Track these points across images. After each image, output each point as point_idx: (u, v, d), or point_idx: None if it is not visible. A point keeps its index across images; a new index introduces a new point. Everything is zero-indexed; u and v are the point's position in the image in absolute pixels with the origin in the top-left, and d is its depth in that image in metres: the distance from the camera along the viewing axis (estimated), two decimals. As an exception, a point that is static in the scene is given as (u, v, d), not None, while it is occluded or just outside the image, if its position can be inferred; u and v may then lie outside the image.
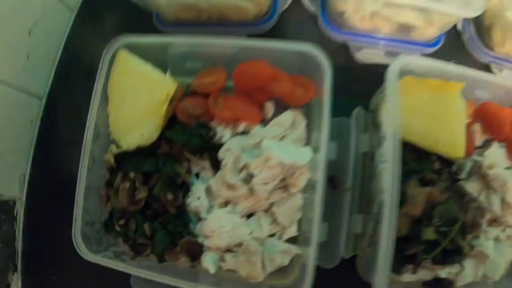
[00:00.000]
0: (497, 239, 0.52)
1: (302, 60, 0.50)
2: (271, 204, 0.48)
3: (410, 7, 0.53)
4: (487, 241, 0.50)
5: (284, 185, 0.49)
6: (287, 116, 0.51)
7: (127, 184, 0.49)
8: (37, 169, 0.65)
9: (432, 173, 0.50)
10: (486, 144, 0.54)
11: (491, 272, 0.51)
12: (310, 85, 0.52)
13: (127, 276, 0.52)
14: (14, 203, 0.63)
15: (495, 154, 0.53)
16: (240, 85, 0.51)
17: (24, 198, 0.65)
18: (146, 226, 0.49)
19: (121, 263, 0.48)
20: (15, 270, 0.62)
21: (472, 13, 0.51)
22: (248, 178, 0.46)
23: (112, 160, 0.51)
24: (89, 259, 0.48)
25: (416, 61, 0.47)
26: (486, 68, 0.63)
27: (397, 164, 0.43)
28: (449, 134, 0.49)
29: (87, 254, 0.48)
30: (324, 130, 0.45)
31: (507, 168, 0.54)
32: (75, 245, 0.48)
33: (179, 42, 0.52)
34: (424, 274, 0.50)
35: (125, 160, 0.51)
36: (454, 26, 0.63)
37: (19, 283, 0.62)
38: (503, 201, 0.50)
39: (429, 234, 0.46)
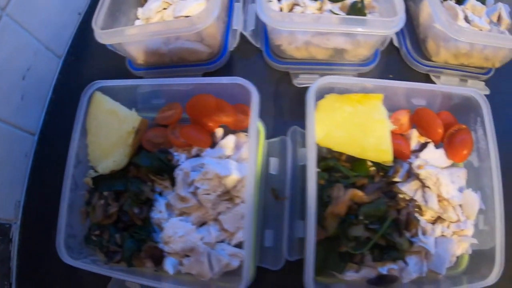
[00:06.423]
0: (443, 235, 0.60)
1: (241, 91, 0.64)
2: (219, 213, 0.62)
3: (337, 33, 0.66)
4: (427, 237, 0.58)
5: (229, 198, 0.62)
6: (230, 139, 0.66)
7: (102, 201, 0.65)
8: (31, 196, 0.78)
9: (365, 177, 0.61)
10: (422, 148, 0.64)
11: (436, 267, 0.59)
12: (248, 111, 0.66)
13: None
14: (10, 226, 0.74)
15: (430, 155, 0.63)
16: (193, 115, 0.67)
17: (19, 222, 0.76)
18: (117, 236, 0.64)
19: (95, 266, 0.62)
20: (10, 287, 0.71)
21: (390, 31, 0.63)
22: (195, 192, 0.61)
23: (90, 182, 0.68)
24: (70, 263, 0.61)
25: (334, 80, 0.60)
26: (427, 77, 0.74)
27: (313, 169, 0.54)
28: (374, 141, 0.60)
29: (68, 259, 0.61)
30: (251, 147, 0.57)
31: (446, 167, 0.63)
32: (58, 252, 0.61)
33: (143, 84, 0.68)
34: (368, 272, 0.59)
35: (101, 182, 0.67)
36: (391, 43, 0.75)
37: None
38: (440, 197, 0.59)
39: (358, 231, 0.57)
